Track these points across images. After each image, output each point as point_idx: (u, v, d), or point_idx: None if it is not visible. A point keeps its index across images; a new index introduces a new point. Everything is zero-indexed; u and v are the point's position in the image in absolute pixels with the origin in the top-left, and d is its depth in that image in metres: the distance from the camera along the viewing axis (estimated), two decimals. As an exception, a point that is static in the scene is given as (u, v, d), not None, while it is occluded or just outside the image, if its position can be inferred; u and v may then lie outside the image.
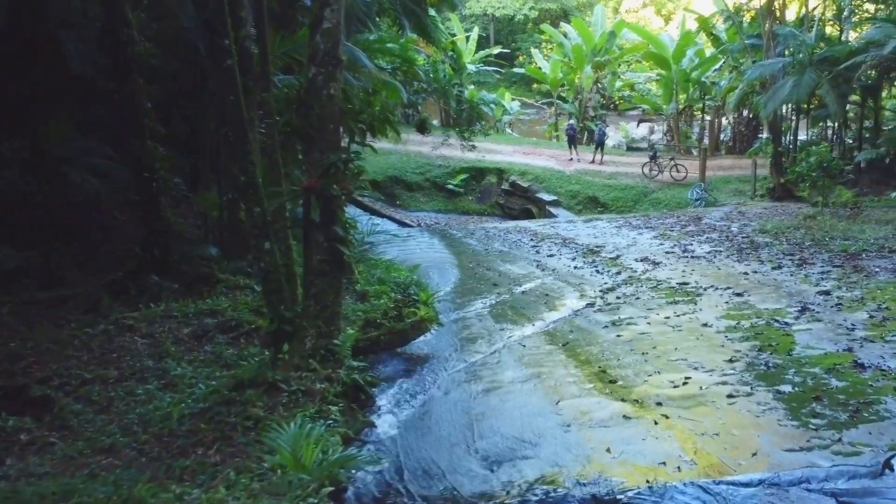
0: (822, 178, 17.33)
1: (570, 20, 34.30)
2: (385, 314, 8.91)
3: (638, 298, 10.85)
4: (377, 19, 21.00)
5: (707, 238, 16.39)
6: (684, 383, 6.98)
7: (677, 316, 9.65)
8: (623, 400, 6.65)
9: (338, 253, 6.35)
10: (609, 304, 10.67)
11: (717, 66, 33.23)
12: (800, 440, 5.59)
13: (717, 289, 11.04)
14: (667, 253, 14.72)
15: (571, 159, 31.01)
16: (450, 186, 29.53)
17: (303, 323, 6.44)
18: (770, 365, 7.36)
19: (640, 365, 7.67)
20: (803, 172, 17.77)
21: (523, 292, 11.94)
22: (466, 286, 12.78)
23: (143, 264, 10.34)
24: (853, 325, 8.62)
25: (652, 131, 40.84)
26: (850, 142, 25.92)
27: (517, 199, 28.98)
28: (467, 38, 35.51)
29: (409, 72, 18.26)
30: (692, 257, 14.04)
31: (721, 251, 14.45)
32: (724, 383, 6.91)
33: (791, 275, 11.73)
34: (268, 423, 5.68)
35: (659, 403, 6.49)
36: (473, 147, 24.20)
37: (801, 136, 26.57)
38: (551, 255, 15.48)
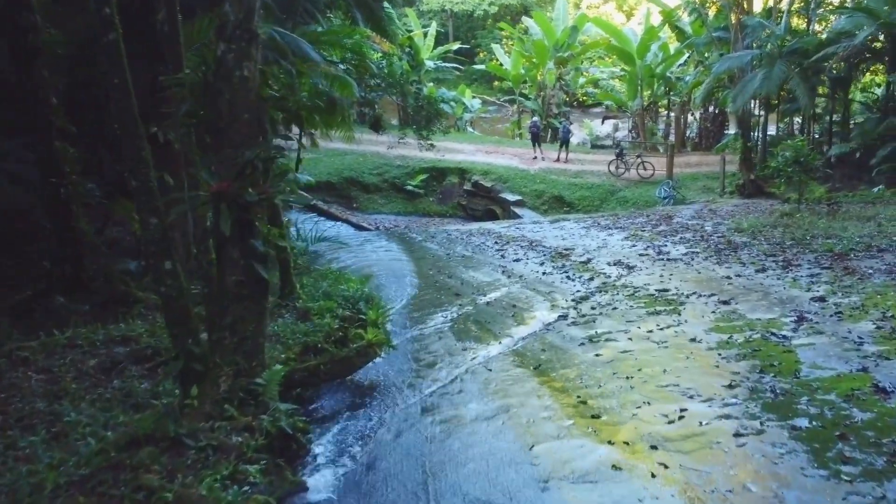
0: (798, 174, 16.50)
1: (532, 15, 33.22)
2: (328, 337, 7.66)
3: (615, 308, 9.75)
4: (328, 13, 19.63)
5: (681, 238, 15.41)
6: (680, 417, 5.87)
7: (661, 329, 8.55)
8: (610, 442, 5.50)
9: (256, 273, 5.10)
10: (584, 315, 9.55)
11: (682, 61, 32.54)
12: (834, 497, 4.49)
13: (700, 296, 10.00)
14: (641, 255, 13.69)
15: (535, 158, 30.02)
16: (409, 187, 28.31)
17: (216, 359, 5.18)
18: (777, 391, 6.28)
19: (625, 393, 6.54)
20: (778, 167, 16.93)
21: (488, 303, 10.78)
22: (425, 297, 11.57)
23: (52, 282, 9.00)
24: (860, 337, 7.59)
25: (617, 128, 40.08)
26: (817, 136, 25.34)
27: (480, 200, 27.88)
28: (425, 34, 34.32)
29: (360, 66, 16.99)
30: (668, 260, 13.02)
31: (698, 252, 13.45)
32: (728, 416, 5.81)
33: (778, 278, 10.74)
34: (165, 496, 4.42)
35: (654, 447, 5.36)
36: (432, 146, 23.00)
37: (770, 132, 25.90)
38: (517, 260, 14.36)
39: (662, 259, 13.11)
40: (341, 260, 16.64)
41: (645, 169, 27.17)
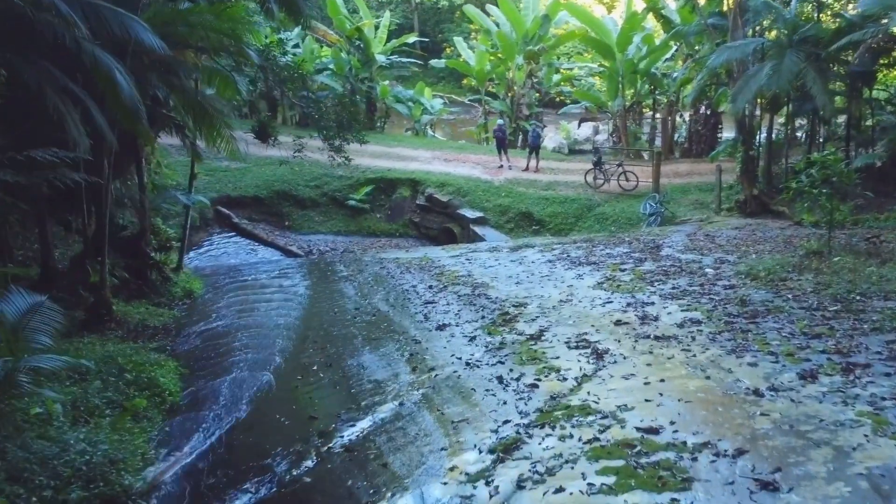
0: (829, 198, 12.12)
1: (497, 2, 28.64)
2: None
3: (560, 486, 5.25)
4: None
5: (673, 288, 10.93)
6: None
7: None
8: None
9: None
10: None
11: (669, 55, 28.09)
12: None
13: (718, 455, 5.45)
14: (617, 324, 9.18)
15: (501, 166, 25.52)
16: (352, 202, 23.77)
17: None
18: None
19: None
20: (801, 189, 12.53)
21: (347, 448, 6.28)
22: (251, 435, 7.08)
23: None
24: None
25: (597, 132, 35.64)
26: (822, 140, 21.01)
27: (435, 217, 23.38)
28: (377, 25, 29.72)
29: (238, 54, 12.45)
30: (657, 338, 8.48)
31: (701, 323, 8.94)
32: None
33: (843, 401, 6.23)
34: None
35: None
36: (347, 160, 18.37)
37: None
38: (443, 327, 9.87)
39: (648, 336, 8.57)
40: (219, 312, 12.19)
41: (627, 179, 22.76)
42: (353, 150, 27.23)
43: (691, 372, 7.22)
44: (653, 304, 10.08)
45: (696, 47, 24.56)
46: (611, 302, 10.41)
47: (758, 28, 19.40)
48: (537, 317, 9.91)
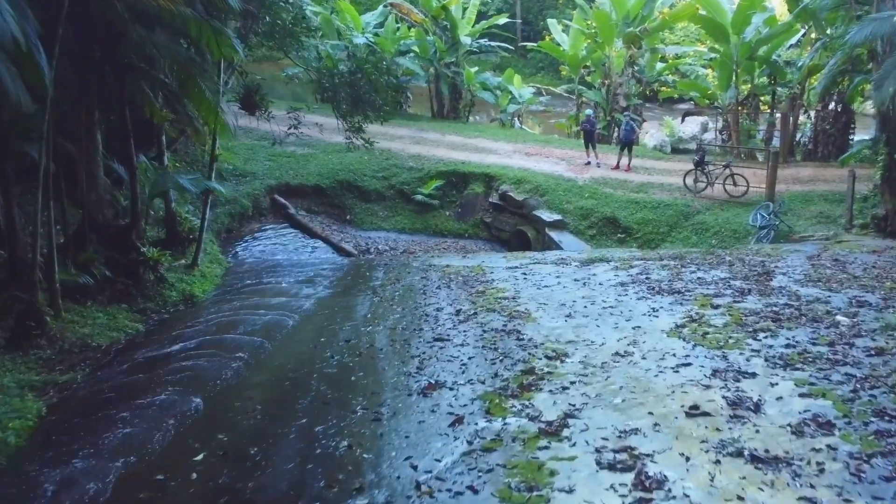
0: None
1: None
2: None
3: None
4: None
5: (788, 346, 7.27)
6: None
7: None
8: None
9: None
10: None
11: (794, 40, 23.39)
12: None
13: None
14: (691, 415, 5.67)
15: (588, 163, 21.86)
16: (419, 197, 20.77)
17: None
18: None
19: None
20: None
21: None
22: None
23: None
24: None
25: (705, 129, 31.05)
26: None
27: (508, 217, 20.10)
28: (465, 5, 26.44)
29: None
30: (755, 460, 4.88)
31: (833, 429, 5.32)
32: None
33: None
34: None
35: None
36: (369, 144, 15.13)
37: None
38: (429, 391, 6.73)
39: (740, 448, 5.03)
40: (185, 333, 9.44)
41: (735, 184, 18.68)
42: (430, 140, 24.42)
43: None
44: (753, 375, 6.50)
45: (829, 31, 19.98)
46: (688, 364, 6.89)
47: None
48: (572, 383, 6.55)
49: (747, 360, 6.93)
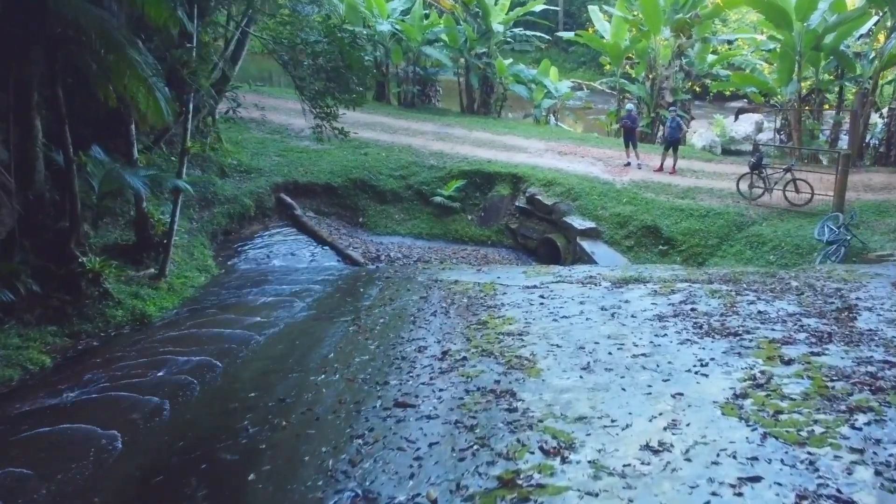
0: None
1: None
2: None
3: None
4: None
5: (893, 421, 4.80)
6: None
7: None
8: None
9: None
10: None
11: (865, 28, 20.34)
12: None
13: None
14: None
15: (628, 164, 19.28)
16: (438, 199, 18.49)
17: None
18: None
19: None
20: None
21: None
22: None
23: None
24: None
25: (760, 128, 28.00)
26: None
27: (536, 224, 17.74)
28: (498, -10, 23.96)
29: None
30: None
31: None
32: None
33: None
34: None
35: None
36: (343, 134, 12.81)
37: None
38: None
39: None
40: (96, 375, 7.34)
41: (797, 191, 15.95)
42: (455, 137, 22.08)
43: None
44: (855, 482, 4.03)
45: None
46: (757, 478, 4.43)
47: None
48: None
49: (847, 470, 4.47)
